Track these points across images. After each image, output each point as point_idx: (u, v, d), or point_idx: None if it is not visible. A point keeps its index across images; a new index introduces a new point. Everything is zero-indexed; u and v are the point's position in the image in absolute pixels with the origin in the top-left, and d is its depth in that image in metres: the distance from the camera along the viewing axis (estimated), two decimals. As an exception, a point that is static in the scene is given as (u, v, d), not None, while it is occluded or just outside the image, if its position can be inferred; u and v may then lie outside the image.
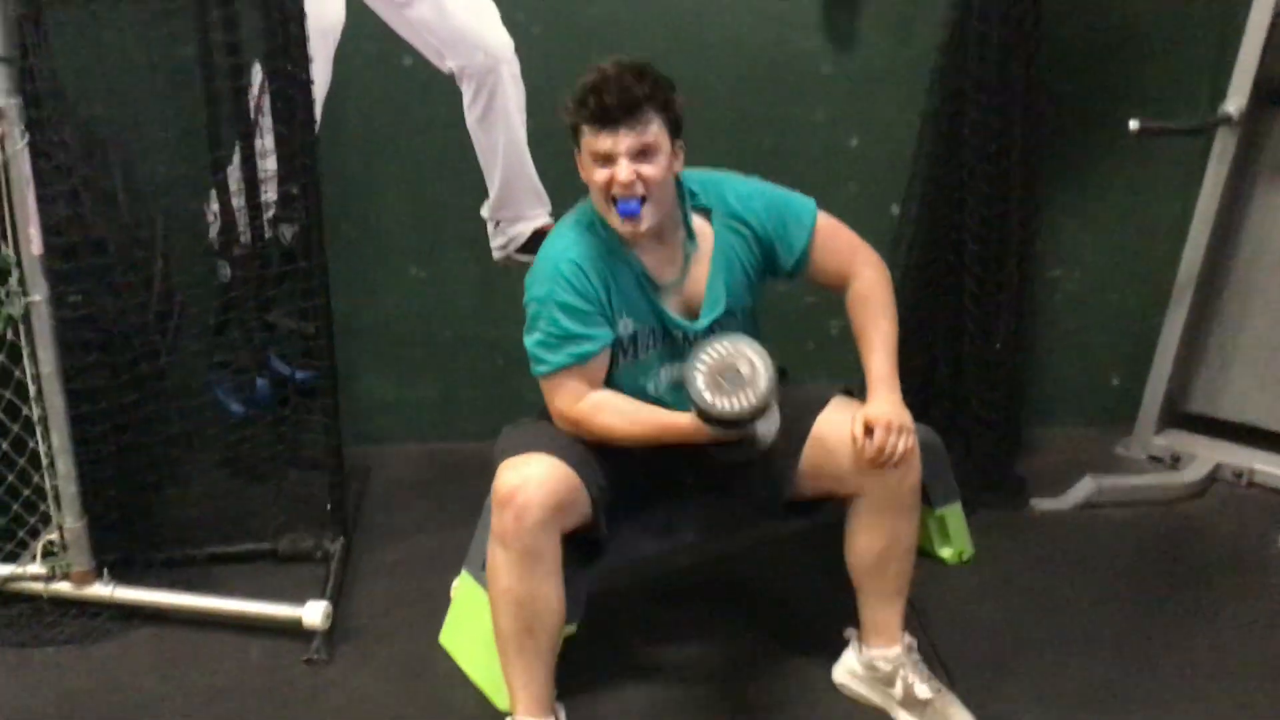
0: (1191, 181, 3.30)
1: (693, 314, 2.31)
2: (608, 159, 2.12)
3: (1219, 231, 3.29)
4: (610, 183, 2.13)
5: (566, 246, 2.23)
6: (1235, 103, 3.10)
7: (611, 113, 2.09)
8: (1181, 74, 3.37)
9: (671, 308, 2.29)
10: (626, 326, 2.26)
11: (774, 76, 3.37)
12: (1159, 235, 3.47)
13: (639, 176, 2.12)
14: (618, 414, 2.21)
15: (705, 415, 2.04)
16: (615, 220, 2.17)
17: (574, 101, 2.13)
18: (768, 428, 2.11)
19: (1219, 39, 3.26)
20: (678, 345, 2.31)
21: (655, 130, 2.12)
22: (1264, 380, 3.35)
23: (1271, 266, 3.31)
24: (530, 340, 2.24)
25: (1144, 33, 3.35)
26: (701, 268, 2.30)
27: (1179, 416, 3.54)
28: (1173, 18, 3.33)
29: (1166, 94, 3.36)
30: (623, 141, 2.10)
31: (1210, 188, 3.24)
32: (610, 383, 2.28)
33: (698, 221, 2.29)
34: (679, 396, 2.29)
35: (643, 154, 2.12)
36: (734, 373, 2.03)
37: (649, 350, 2.31)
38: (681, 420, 2.15)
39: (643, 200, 2.14)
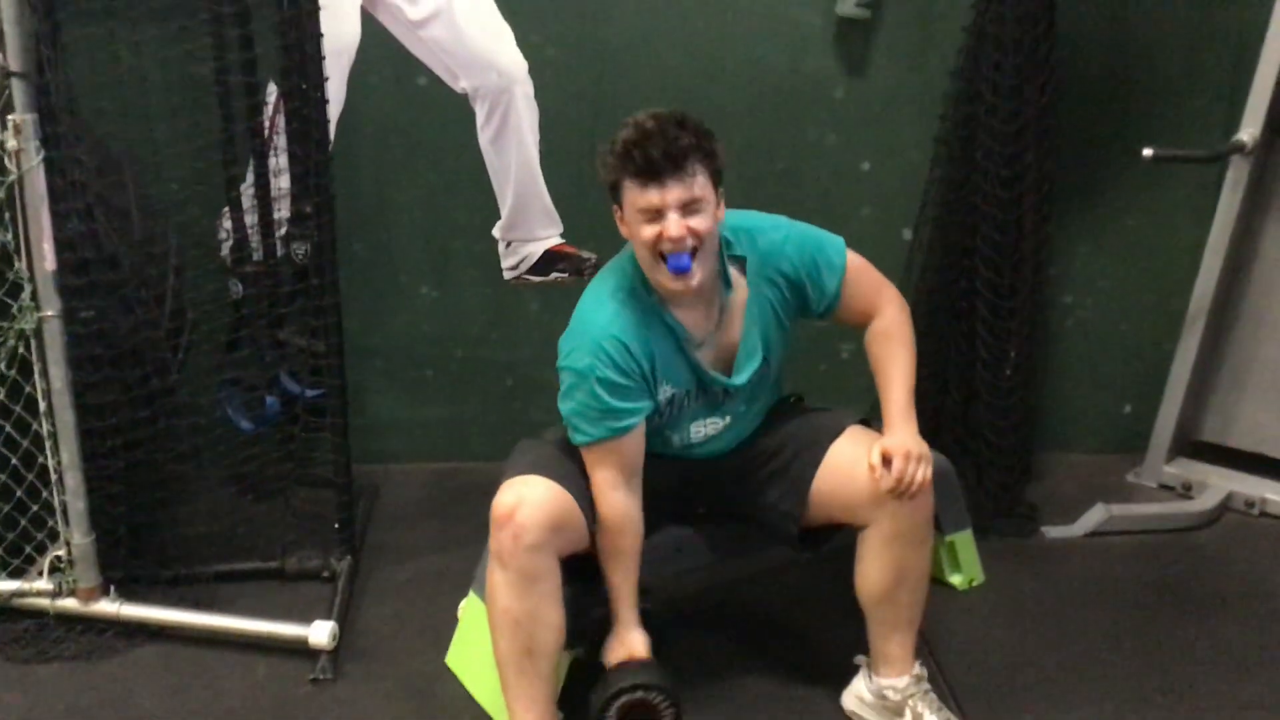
0: (1205, 210, 3.29)
1: (728, 365, 2.29)
2: (656, 214, 2.06)
3: (1232, 260, 3.27)
4: (659, 238, 2.07)
5: (609, 321, 2.16)
6: (1249, 132, 3.09)
7: (658, 165, 2.03)
8: (1196, 102, 3.36)
9: (707, 362, 2.27)
10: (665, 392, 2.24)
11: (787, 100, 3.36)
12: (1172, 263, 3.46)
13: (689, 230, 2.06)
14: (614, 547, 2.23)
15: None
16: (665, 278, 2.11)
17: (615, 156, 2.07)
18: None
19: (1234, 67, 3.25)
20: (712, 399, 2.31)
21: (702, 182, 2.07)
22: (1276, 410, 3.33)
23: (1284, 296, 3.30)
24: (566, 408, 2.20)
25: (1159, 61, 3.34)
26: (736, 318, 2.27)
27: (1191, 445, 3.52)
28: (1188, 46, 3.32)
29: (1181, 122, 3.35)
30: (671, 194, 2.04)
31: (1223, 216, 3.22)
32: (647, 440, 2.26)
33: (732, 271, 2.25)
34: (698, 451, 2.37)
35: (691, 207, 2.07)
36: (644, 713, 2.18)
37: (683, 409, 2.30)
38: (621, 615, 2.24)
39: (693, 254, 2.09)
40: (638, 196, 2.06)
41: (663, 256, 2.09)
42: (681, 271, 2.09)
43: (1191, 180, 3.36)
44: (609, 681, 2.19)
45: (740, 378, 2.28)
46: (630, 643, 2.25)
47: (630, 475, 2.21)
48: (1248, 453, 3.42)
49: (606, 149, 2.09)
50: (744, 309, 2.26)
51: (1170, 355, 3.41)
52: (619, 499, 2.19)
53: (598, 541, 2.22)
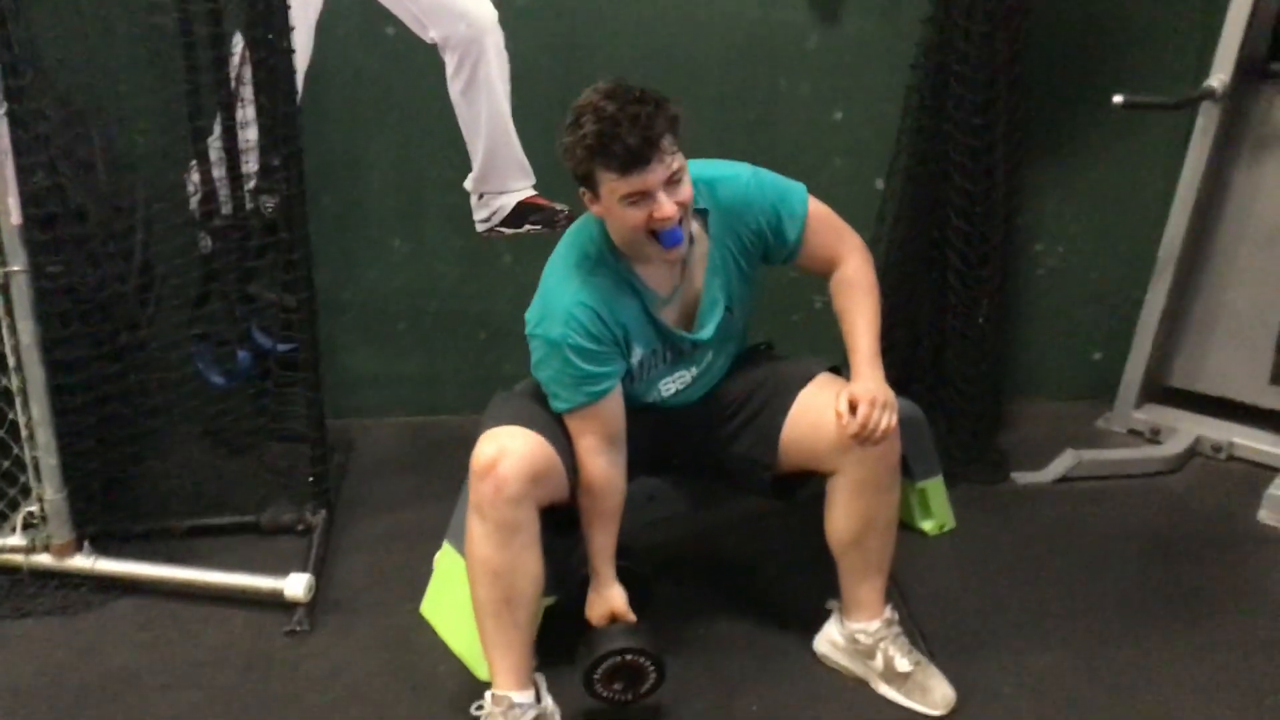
0: (1175, 157, 3.32)
1: (690, 319, 2.30)
2: (641, 196, 2.05)
3: (1201, 207, 3.31)
4: (649, 219, 2.07)
5: (578, 289, 2.16)
6: (1219, 78, 3.11)
7: (636, 153, 2.00)
8: (1167, 49, 3.38)
9: (672, 319, 2.28)
10: (635, 355, 2.26)
11: (759, 50, 3.37)
12: (1142, 211, 3.49)
13: (678, 204, 2.07)
14: (596, 509, 2.25)
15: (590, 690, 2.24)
16: (657, 252, 2.12)
17: (585, 149, 2.03)
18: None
19: (1204, 13, 3.27)
20: (679, 354, 2.32)
21: (675, 151, 2.06)
22: (1244, 355, 3.37)
23: (1253, 242, 3.32)
24: (543, 376, 2.22)
25: (1130, 8, 3.36)
26: (698, 271, 2.28)
27: (1160, 391, 3.56)
28: (1158, -8, 3.35)
29: (1152, 70, 3.37)
30: (654, 177, 2.03)
31: (1193, 163, 3.25)
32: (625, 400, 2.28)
33: (694, 225, 2.24)
34: (670, 402, 2.38)
35: (673, 179, 2.06)
36: (630, 672, 2.22)
37: (654, 369, 2.31)
38: (601, 574, 2.28)
39: (680, 221, 2.09)
40: (619, 185, 2.04)
41: (653, 233, 2.09)
42: (676, 243, 2.10)
43: (1162, 128, 3.39)
44: (595, 644, 2.22)
45: (705, 331, 2.29)
46: (610, 598, 2.28)
47: (612, 439, 2.23)
48: (1215, 397, 3.47)
49: (572, 140, 2.04)
50: (705, 260, 2.27)
51: (1140, 302, 3.45)
52: (602, 464, 2.22)
53: (580, 503, 2.25)
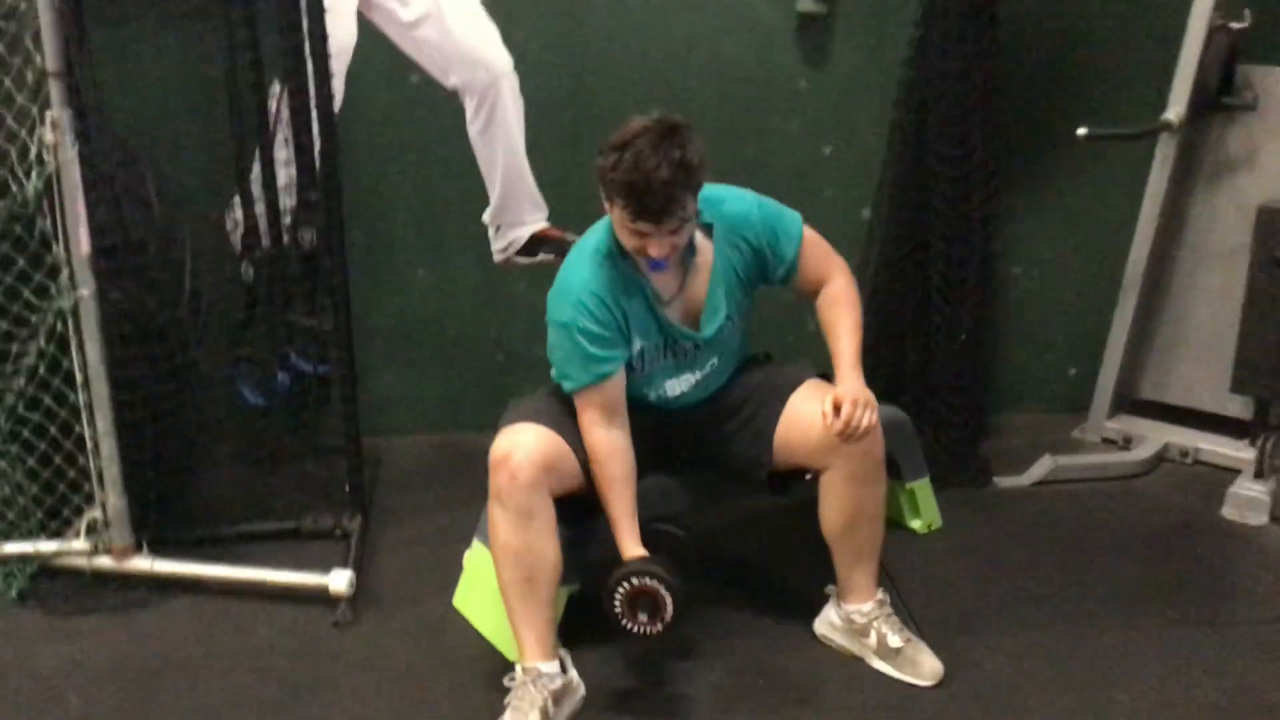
0: (1137, 185, 3.56)
1: (694, 322, 2.54)
2: (643, 234, 2.29)
3: (1163, 231, 3.55)
4: (642, 250, 2.33)
5: (588, 279, 2.42)
6: (1175, 111, 3.37)
7: (653, 211, 2.24)
8: (1130, 86, 3.62)
9: (675, 318, 2.52)
10: (636, 345, 2.49)
11: (754, 91, 3.63)
12: (1110, 235, 3.72)
13: (672, 247, 2.33)
14: (605, 475, 2.43)
15: (616, 621, 2.39)
16: (643, 267, 2.40)
17: (612, 183, 2.25)
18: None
19: (1163, 53, 3.49)
20: (683, 356, 2.55)
21: (688, 207, 2.30)
22: (1207, 368, 3.59)
23: (1212, 262, 3.56)
24: (555, 357, 2.48)
25: (1095, 48, 3.62)
26: (701, 279, 2.52)
27: (1131, 402, 3.79)
28: (1121, 34, 3.61)
29: (1116, 105, 3.59)
30: (663, 229, 2.28)
31: (1153, 190, 3.50)
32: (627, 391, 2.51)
33: (698, 238, 2.50)
34: (673, 404, 2.61)
35: (673, 231, 2.31)
36: (649, 600, 2.35)
37: (655, 364, 2.54)
38: (623, 539, 2.41)
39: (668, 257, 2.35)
40: (628, 221, 2.28)
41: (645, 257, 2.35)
42: (657, 269, 2.39)
43: (1125, 158, 3.62)
44: (616, 572, 2.38)
45: (707, 331, 2.53)
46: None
47: (614, 413, 2.45)
48: (1183, 408, 3.69)
49: (606, 166, 2.25)
50: (709, 270, 2.51)
51: (1109, 320, 3.68)
52: (603, 433, 2.43)
53: (593, 476, 2.45)
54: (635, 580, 2.35)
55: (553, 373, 2.51)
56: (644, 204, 2.24)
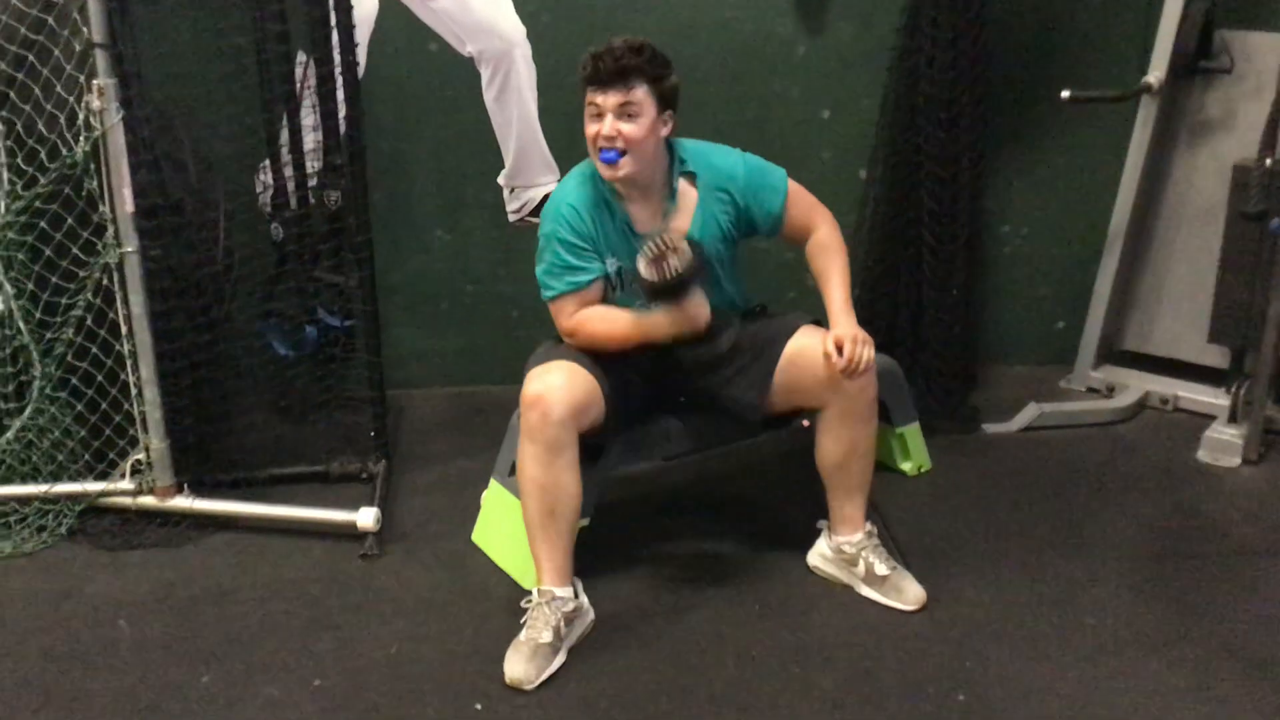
0: (1122, 146, 3.72)
1: None
2: (599, 114, 2.57)
3: (1144, 189, 3.71)
4: (598, 134, 2.58)
5: (569, 193, 2.70)
6: (1155, 74, 3.53)
7: (604, 75, 2.54)
8: (1113, 50, 3.76)
9: None
10: (612, 264, 2.70)
11: (755, 58, 3.78)
12: (1095, 194, 3.87)
13: (619, 132, 2.55)
14: (601, 320, 2.68)
15: (649, 287, 2.57)
16: (599, 164, 2.61)
17: (581, 65, 2.57)
18: (725, 335, 2.67)
19: (1145, 18, 3.65)
20: None
21: (640, 95, 2.55)
22: (1186, 319, 3.76)
23: (1191, 219, 3.73)
24: (539, 269, 2.71)
25: (1080, 13, 3.76)
26: (681, 221, 2.71)
27: (1114, 353, 3.95)
28: (1104, 1, 3.75)
29: (1100, 69, 3.74)
30: (610, 100, 2.55)
31: (1135, 151, 3.66)
32: None
33: (682, 184, 2.71)
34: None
35: (626, 114, 2.55)
36: (669, 254, 2.54)
37: (633, 284, 2.71)
38: (648, 317, 2.63)
39: (622, 153, 2.57)
40: (588, 95, 2.58)
41: (599, 148, 2.59)
42: (608, 162, 2.59)
43: (1108, 120, 3.77)
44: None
45: None
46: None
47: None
48: (1164, 358, 3.86)
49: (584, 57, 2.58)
50: (690, 215, 2.71)
51: (1095, 276, 3.84)
52: (577, 317, 2.67)
53: (601, 334, 2.67)
54: (656, 240, 2.55)
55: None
56: (598, 68, 2.53)
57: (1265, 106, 3.28)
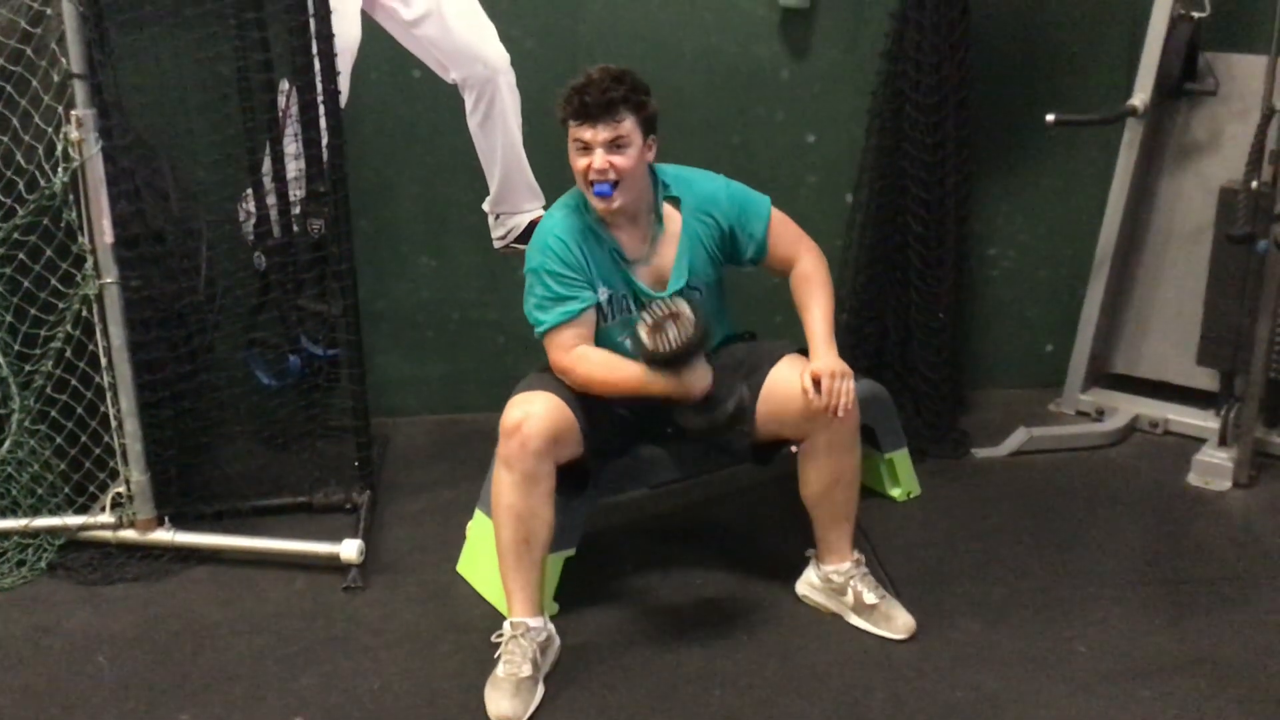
0: (1108, 169, 3.71)
1: (661, 285, 2.72)
2: (586, 148, 2.55)
3: (1131, 212, 3.70)
4: (588, 169, 2.56)
5: (555, 224, 2.67)
6: (1140, 97, 3.52)
7: (590, 110, 2.51)
8: (1098, 74, 3.77)
9: (642, 279, 2.70)
10: (603, 293, 2.68)
11: (740, 82, 3.77)
12: (1081, 217, 3.87)
13: (611, 165, 2.54)
14: (597, 365, 2.63)
15: (648, 356, 2.53)
16: (591, 198, 2.60)
17: (563, 99, 2.55)
18: (725, 405, 2.59)
19: (1130, 42, 3.66)
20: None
21: (628, 126, 2.54)
22: (1175, 343, 3.74)
23: (1178, 242, 3.71)
24: (528, 305, 2.68)
25: (1065, 37, 3.76)
26: (669, 247, 2.71)
27: (1104, 376, 3.93)
28: (1090, 23, 3.75)
29: (1085, 92, 3.74)
30: (599, 134, 2.53)
31: (1121, 174, 3.65)
32: (597, 341, 2.68)
33: (667, 209, 2.71)
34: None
35: (616, 146, 2.54)
36: (670, 322, 2.51)
37: (624, 314, 2.71)
38: (646, 373, 2.57)
39: (614, 184, 2.56)
40: (575, 131, 2.55)
41: (591, 183, 2.57)
42: (602, 196, 2.58)
43: (1094, 143, 3.78)
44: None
45: (666, 293, 2.67)
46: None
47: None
48: (1153, 381, 3.84)
49: (560, 92, 2.55)
50: (677, 240, 2.70)
51: (1083, 299, 3.83)
52: (571, 356, 2.62)
53: (597, 379, 2.62)
54: (659, 307, 2.54)
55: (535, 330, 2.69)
56: (583, 102, 2.50)
57: (1250, 128, 3.28)
